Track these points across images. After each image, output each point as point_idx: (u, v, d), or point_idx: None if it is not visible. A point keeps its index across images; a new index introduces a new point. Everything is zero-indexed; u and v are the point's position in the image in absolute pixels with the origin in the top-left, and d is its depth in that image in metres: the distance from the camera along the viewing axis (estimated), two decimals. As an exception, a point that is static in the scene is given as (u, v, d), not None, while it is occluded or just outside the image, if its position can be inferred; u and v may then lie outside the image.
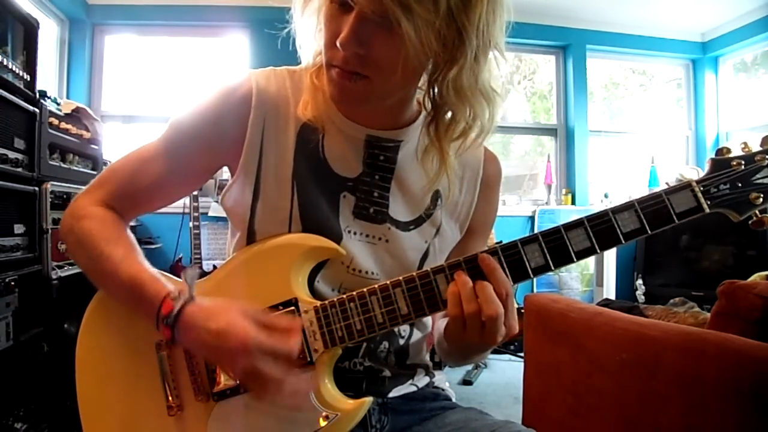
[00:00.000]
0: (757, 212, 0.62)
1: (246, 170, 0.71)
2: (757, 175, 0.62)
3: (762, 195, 0.61)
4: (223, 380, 0.67)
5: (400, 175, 0.74)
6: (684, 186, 0.62)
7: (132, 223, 3.16)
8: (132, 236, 0.73)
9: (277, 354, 0.58)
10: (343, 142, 0.72)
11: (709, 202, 0.62)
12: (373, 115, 0.72)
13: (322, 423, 0.64)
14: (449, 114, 0.67)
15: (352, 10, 0.58)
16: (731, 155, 0.63)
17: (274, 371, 0.58)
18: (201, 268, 2.83)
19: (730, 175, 0.62)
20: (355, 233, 0.72)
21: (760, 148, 0.63)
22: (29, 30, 1.75)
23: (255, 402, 0.65)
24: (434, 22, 0.56)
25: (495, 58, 0.64)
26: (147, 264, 0.68)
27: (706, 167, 0.64)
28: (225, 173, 0.77)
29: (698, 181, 0.63)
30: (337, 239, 0.70)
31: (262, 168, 0.71)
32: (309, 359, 0.65)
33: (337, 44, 0.59)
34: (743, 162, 0.62)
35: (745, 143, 0.63)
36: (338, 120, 0.72)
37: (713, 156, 0.64)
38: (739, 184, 0.62)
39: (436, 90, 0.66)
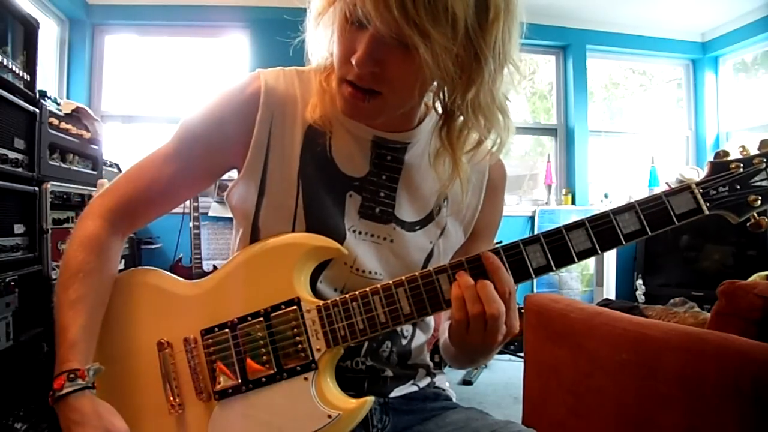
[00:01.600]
0: (755, 214, 0.63)
1: (252, 167, 0.71)
2: (755, 178, 0.63)
3: (760, 197, 0.62)
4: (224, 379, 0.67)
5: (407, 176, 0.74)
6: (684, 188, 0.63)
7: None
8: (108, 272, 0.72)
9: None
10: (350, 142, 0.72)
11: (708, 204, 0.63)
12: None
13: (324, 422, 0.64)
14: (461, 119, 0.67)
15: (366, 27, 0.57)
16: (730, 158, 0.64)
17: None
18: (201, 268, 2.83)
19: (729, 178, 0.63)
20: (360, 233, 0.72)
21: (758, 152, 0.64)
22: (29, 30, 1.75)
23: (255, 400, 0.66)
24: (452, 48, 0.56)
25: (510, 73, 0.65)
26: (88, 319, 0.66)
27: (706, 170, 0.65)
28: (226, 173, 0.77)
29: (698, 184, 0.64)
30: (341, 239, 0.70)
31: (269, 166, 0.71)
32: (311, 358, 0.66)
33: (352, 62, 0.59)
34: (742, 165, 0.63)
35: (743, 146, 0.65)
36: (346, 121, 0.72)
37: (712, 159, 0.65)
38: (738, 187, 0.63)
39: (446, 94, 0.65)
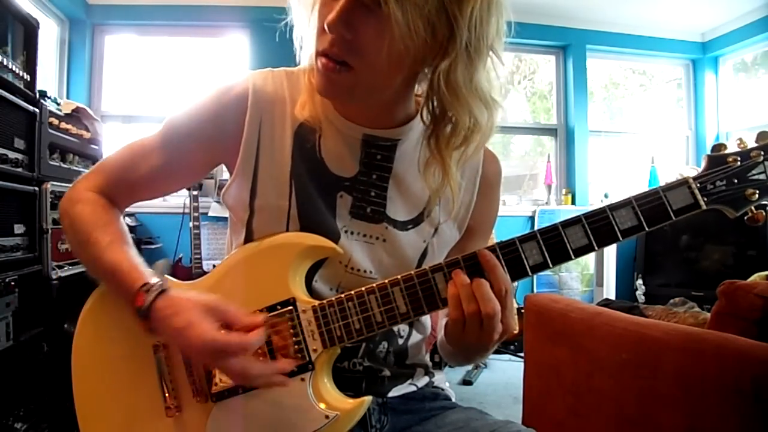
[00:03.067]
0: (752, 208, 0.62)
1: (243, 169, 0.71)
2: (753, 171, 0.62)
3: (758, 191, 0.61)
4: (221, 381, 0.66)
5: (397, 175, 0.74)
6: (681, 183, 0.62)
7: (132, 224, 3.14)
8: (122, 223, 0.74)
9: (233, 351, 0.59)
10: (340, 142, 0.72)
11: (705, 199, 0.62)
12: (370, 114, 0.71)
13: (322, 422, 0.64)
14: (449, 126, 0.65)
15: None
16: (727, 152, 0.63)
17: (235, 366, 0.59)
18: (201, 268, 2.83)
19: (726, 172, 0.62)
20: (352, 233, 0.72)
21: (756, 145, 0.63)
22: (29, 30, 1.75)
23: (253, 402, 0.66)
24: (423, 7, 0.56)
25: (492, 63, 0.64)
26: (131, 251, 0.69)
27: (703, 164, 0.64)
28: (225, 173, 0.77)
29: (695, 178, 0.63)
30: (335, 238, 0.70)
31: (259, 167, 0.71)
32: (308, 359, 0.65)
33: (324, 26, 0.58)
34: (739, 158, 0.62)
35: (740, 139, 0.63)
36: (335, 119, 0.72)
37: (709, 153, 0.64)
38: (735, 181, 0.62)
39: (434, 100, 0.65)
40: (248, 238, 0.72)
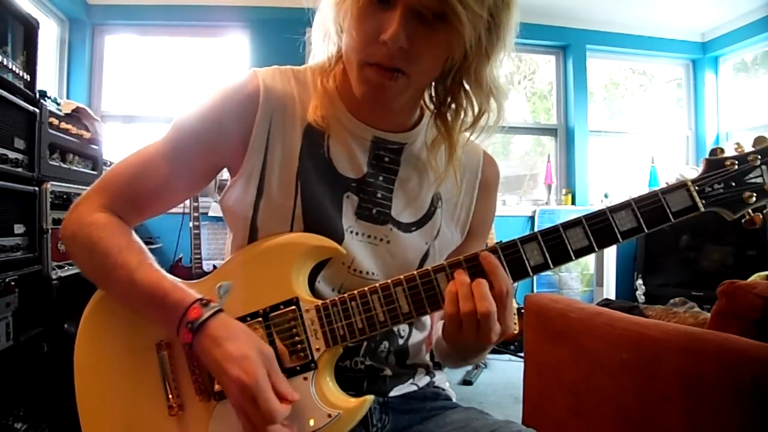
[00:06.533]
0: (750, 211, 0.64)
1: (250, 167, 0.70)
2: (750, 175, 0.63)
3: (755, 194, 0.63)
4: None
5: (403, 177, 0.75)
6: (680, 185, 0.64)
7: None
8: (140, 241, 0.72)
9: (265, 408, 0.57)
10: (349, 143, 0.72)
11: (704, 201, 0.63)
12: (382, 117, 0.72)
13: (324, 421, 0.64)
14: (453, 106, 0.70)
15: (390, 5, 0.59)
16: (725, 155, 0.65)
17: (255, 418, 0.58)
18: (201, 268, 2.83)
19: (724, 175, 0.64)
20: (356, 233, 0.72)
21: (753, 149, 0.64)
22: (29, 30, 1.75)
23: None
24: (481, 16, 0.60)
25: (501, 60, 0.68)
26: (162, 270, 0.67)
27: (701, 167, 0.66)
28: (225, 173, 0.77)
29: (693, 181, 0.64)
30: (339, 239, 0.70)
31: (267, 166, 0.71)
32: (310, 358, 0.66)
33: (386, 40, 0.59)
34: (737, 162, 0.64)
35: (738, 143, 0.65)
36: (346, 120, 0.72)
37: (707, 156, 0.66)
38: (733, 184, 0.63)
39: (439, 87, 0.69)
40: (253, 238, 0.72)
